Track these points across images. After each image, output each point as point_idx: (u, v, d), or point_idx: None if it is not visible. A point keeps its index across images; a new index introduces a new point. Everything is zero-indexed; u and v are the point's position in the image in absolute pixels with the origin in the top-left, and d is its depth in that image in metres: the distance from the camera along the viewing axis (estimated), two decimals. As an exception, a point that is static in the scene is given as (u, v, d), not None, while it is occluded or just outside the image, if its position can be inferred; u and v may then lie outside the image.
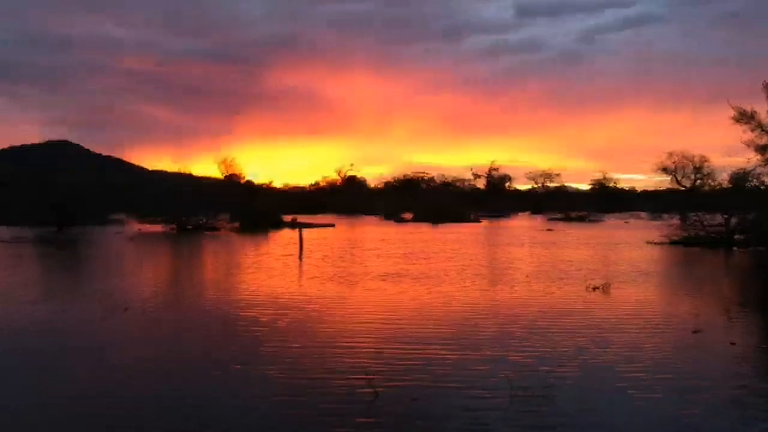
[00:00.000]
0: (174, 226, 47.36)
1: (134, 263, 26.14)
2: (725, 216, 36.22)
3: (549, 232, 50.56)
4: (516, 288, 17.73)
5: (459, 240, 39.18)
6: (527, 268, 22.66)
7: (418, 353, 10.11)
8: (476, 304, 15.07)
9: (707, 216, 37.59)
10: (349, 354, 10.08)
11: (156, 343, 11.09)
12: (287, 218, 55.48)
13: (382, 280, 19.28)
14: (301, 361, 9.57)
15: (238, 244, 36.50)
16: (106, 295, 15.72)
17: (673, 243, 35.58)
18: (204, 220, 48.26)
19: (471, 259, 26.20)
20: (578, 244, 36.60)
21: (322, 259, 26.06)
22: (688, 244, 34.82)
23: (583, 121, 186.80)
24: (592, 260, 26.31)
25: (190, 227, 47.42)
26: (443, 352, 10.25)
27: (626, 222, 70.55)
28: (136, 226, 48.71)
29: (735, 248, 33.03)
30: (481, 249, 32.76)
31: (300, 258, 26.48)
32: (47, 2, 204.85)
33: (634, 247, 34.49)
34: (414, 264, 23.91)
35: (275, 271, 21.67)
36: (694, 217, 37.51)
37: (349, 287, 17.83)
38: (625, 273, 21.68)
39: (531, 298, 16.04)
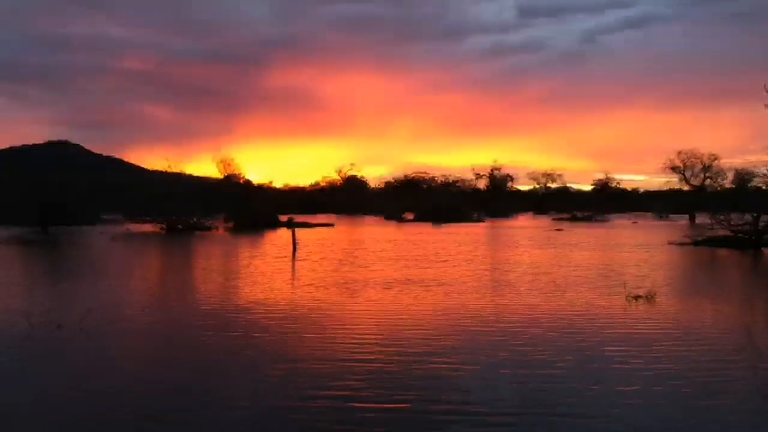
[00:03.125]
0: (163, 225, 44.00)
1: (101, 266, 22.66)
2: (754, 215, 33.05)
3: (559, 232, 47.19)
4: (550, 299, 14.31)
5: (468, 241, 35.74)
6: (556, 273, 19.22)
7: (438, 411, 6.74)
8: (507, 322, 11.63)
9: (732, 215, 34.47)
10: (340, 413, 6.70)
11: (69, 379, 7.75)
12: (283, 218, 52.13)
13: (387, 288, 15.89)
14: None
15: (229, 245, 33.07)
16: (44, 307, 12.39)
17: (696, 244, 32.53)
18: (195, 220, 44.82)
19: (488, 263, 22.79)
20: (597, 245, 33.17)
21: (319, 262, 22.69)
22: (713, 245, 31.74)
23: (585, 122, 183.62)
24: (620, 263, 22.98)
25: (180, 227, 44.05)
26: (474, 402, 6.92)
27: (634, 222, 67.30)
28: (125, 226, 45.36)
29: (764, 249, 29.93)
30: (495, 251, 29.18)
31: (293, 261, 23.14)
32: (47, 2, 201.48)
33: (656, 248, 31.29)
34: (423, 268, 20.50)
35: (263, 277, 18.29)
36: (721, 217, 34.24)
37: (347, 297, 14.44)
38: (663, 279, 18.46)
39: (570, 312, 12.64)
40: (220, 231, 44.96)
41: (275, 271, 19.44)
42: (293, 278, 18.21)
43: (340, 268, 20.28)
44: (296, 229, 44.43)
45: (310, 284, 16.59)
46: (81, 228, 45.94)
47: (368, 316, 12.19)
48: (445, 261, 23.12)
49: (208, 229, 44.45)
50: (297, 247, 27.68)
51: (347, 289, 15.74)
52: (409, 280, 17.41)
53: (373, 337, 10.31)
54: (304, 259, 23.38)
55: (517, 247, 31.20)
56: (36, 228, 44.02)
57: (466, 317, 12.00)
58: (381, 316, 12.18)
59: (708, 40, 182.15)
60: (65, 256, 27.64)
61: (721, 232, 33.18)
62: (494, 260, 24.03)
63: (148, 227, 44.46)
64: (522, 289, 15.86)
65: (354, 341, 9.94)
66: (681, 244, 32.96)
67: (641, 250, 29.58)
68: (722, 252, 29.01)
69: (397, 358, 8.86)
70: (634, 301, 14.26)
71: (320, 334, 10.48)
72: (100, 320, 11.42)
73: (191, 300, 14.45)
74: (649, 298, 14.47)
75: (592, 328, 11.09)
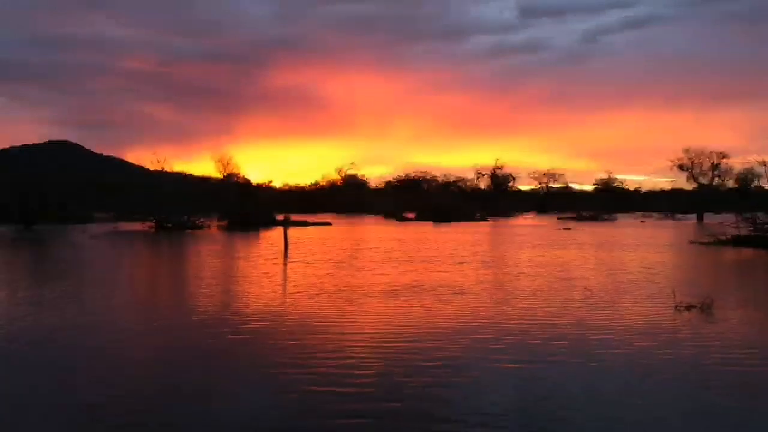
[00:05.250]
0: (152, 224, 41.09)
1: (63, 267, 19.70)
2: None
3: (568, 231, 44.30)
4: (593, 313, 11.32)
5: (478, 241, 32.68)
6: (591, 279, 16.13)
7: None
8: (551, 352, 8.65)
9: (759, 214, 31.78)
10: None
11: None
12: (280, 216, 49.19)
13: (392, 297, 12.94)
14: None
15: (218, 245, 29.97)
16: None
17: (719, 243, 29.79)
18: (187, 218, 41.87)
19: (509, 266, 19.61)
20: (617, 245, 30.02)
21: (314, 264, 19.65)
22: (738, 245, 29.04)
23: (585, 122, 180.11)
24: (653, 265, 20.17)
25: (169, 225, 41.13)
26: None
27: (642, 221, 64.39)
28: (113, 225, 42.54)
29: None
30: (512, 252, 25.74)
31: (284, 263, 20.27)
32: (47, 2, 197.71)
33: (681, 248, 28.63)
34: (434, 272, 17.47)
35: (245, 282, 15.38)
36: (747, 215, 31.49)
37: (341, 310, 11.43)
38: (708, 283, 15.71)
39: (628, 335, 9.72)
40: (213, 230, 42.07)
41: (261, 276, 16.49)
42: (281, 284, 15.22)
43: (336, 272, 17.35)
44: (293, 227, 41.64)
45: (301, 292, 13.59)
46: (70, 226, 43.53)
47: (367, 336, 9.20)
48: (460, 263, 19.93)
49: (200, 227, 41.52)
50: (289, 247, 24.87)
51: (343, 298, 12.75)
52: (418, 286, 14.41)
53: (371, 364, 7.35)
54: (298, 261, 20.47)
55: (534, 247, 28.09)
56: (18, 226, 41.97)
57: (497, 342, 8.95)
58: (382, 337, 9.19)
59: (708, 40, 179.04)
60: (28, 257, 24.70)
61: (740, 232, 30.46)
62: (515, 263, 20.84)
63: (137, 226, 41.54)
64: (557, 299, 12.80)
65: (346, 374, 7.00)
66: (705, 243, 30.25)
67: (667, 250, 26.82)
68: (749, 252, 26.28)
69: (404, 400, 6.02)
70: (686, 311, 11.58)
71: (303, 360, 7.54)
72: (29, 340, 8.57)
73: (140, 313, 11.43)
74: (705, 308, 11.75)
75: (657, 361, 8.22)
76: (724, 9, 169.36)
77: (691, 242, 31.51)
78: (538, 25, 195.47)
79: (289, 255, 22.48)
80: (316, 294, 13.23)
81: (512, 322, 10.39)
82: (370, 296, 13.01)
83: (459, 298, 12.74)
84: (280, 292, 13.84)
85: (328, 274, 16.83)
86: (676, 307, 11.91)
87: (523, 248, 27.25)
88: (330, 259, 21.05)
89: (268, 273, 17.11)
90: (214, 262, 20.95)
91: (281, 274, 17.09)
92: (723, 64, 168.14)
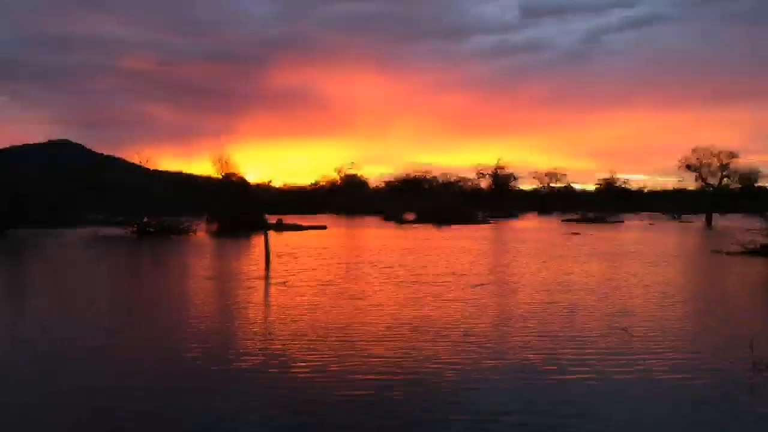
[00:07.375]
0: (133, 228, 37.64)
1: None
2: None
3: (578, 236, 40.87)
4: (651, 373, 8.04)
5: (486, 252, 28.73)
6: (636, 310, 12.54)
7: None
8: None
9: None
10: None
11: None
12: (272, 219, 45.73)
13: (383, 345, 9.43)
14: None
15: (196, 256, 26.17)
16: None
17: (750, 253, 26.56)
18: (173, 222, 38.29)
19: (532, 289, 15.82)
20: (641, 256, 26.18)
21: (296, 288, 16.15)
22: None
23: (587, 121, 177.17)
24: (700, 287, 16.95)
25: (151, 230, 37.69)
26: None
27: (651, 224, 60.79)
28: (94, 229, 39.05)
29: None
30: (531, 267, 21.43)
31: (264, 284, 16.87)
32: (47, 2, 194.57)
33: (704, 258, 25.57)
34: (442, 300, 13.92)
35: (201, 317, 12.00)
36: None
37: (312, 373, 8.10)
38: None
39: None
40: (200, 234, 38.63)
41: (224, 309, 12.99)
42: (243, 324, 11.63)
43: (321, 301, 13.84)
44: (285, 232, 38.31)
45: (265, 338, 10.15)
46: (54, 230, 40.12)
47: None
48: (476, 286, 16.22)
49: (185, 232, 38.02)
50: (271, 262, 21.32)
51: (318, 352, 9.31)
52: (421, 327, 10.92)
53: None
54: (279, 282, 16.96)
55: (553, 258, 24.34)
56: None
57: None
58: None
59: (709, 40, 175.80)
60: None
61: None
62: (540, 284, 16.88)
63: (118, 230, 37.94)
64: (601, 352, 9.32)
65: None
66: (730, 253, 26.96)
67: (701, 264, 23.58)
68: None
69: None
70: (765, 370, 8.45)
71: None
72: None
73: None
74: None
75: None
76: (724, 9, 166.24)
77: (713, 251, 28.29)
78: (539, 25, 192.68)
79: (270, 274, 18.96)
80: (290, 337, 9.83)
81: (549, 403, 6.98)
82: (356, 348, 9.59)
83: (473, 348, 9.32)
84: (233, 338, 10.40)
85: (309, 305, 13.38)
86: (754, 363, 8.68)
87: (542, 260, 23.60)
88: (317, 280, 17.55)
89: (233, 304, 13.62)
90: (174, 285, 17.47)
91: (250, 306, 13.57)
92: (723, 64, 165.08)
